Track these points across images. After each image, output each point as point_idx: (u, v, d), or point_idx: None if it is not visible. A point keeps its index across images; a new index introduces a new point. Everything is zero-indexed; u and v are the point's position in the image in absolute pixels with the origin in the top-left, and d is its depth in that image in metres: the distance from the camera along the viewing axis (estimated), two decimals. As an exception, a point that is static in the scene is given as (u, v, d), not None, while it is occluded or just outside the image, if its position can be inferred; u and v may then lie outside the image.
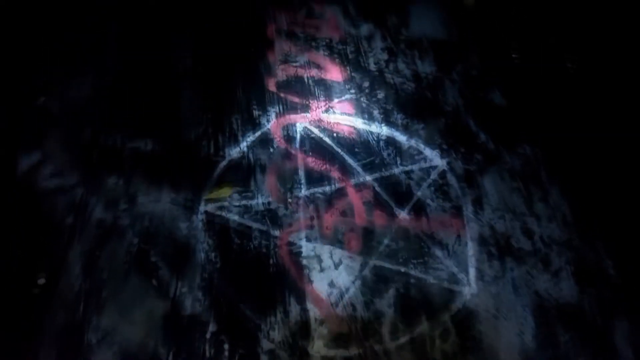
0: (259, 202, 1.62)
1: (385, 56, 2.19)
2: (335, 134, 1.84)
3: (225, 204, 1.61)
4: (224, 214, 1.58)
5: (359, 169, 1.72)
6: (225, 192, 1.64)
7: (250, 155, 1.76)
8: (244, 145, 1.80)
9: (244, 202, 1.61)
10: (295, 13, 2.42)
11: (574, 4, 2.32)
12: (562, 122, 1.87)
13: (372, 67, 2.14)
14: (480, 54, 2.18)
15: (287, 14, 2.41)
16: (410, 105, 1.96)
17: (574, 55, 2.13)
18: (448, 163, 1.74)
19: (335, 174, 1.71)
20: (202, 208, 1.59)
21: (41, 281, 1.38)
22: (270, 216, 1.58)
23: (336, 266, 1.47)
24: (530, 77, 2.07)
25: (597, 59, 2.10)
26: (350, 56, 2.19)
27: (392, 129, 1.85)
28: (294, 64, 2.15)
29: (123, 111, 1.91)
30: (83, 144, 1.78)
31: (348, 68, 2.13)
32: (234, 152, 1.77)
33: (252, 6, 2.43)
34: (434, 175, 1.70)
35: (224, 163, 1.73)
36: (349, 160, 1.74)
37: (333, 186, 1.67)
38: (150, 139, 1.81)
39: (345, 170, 1.72)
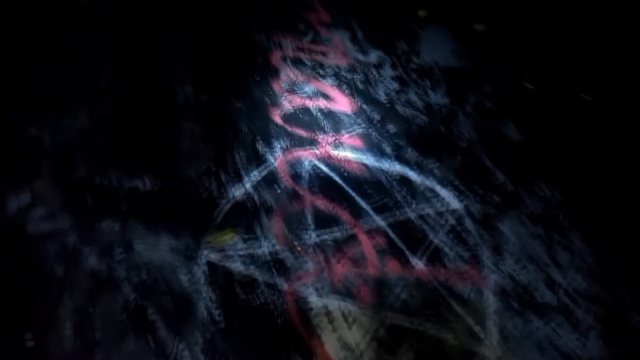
0: (264, 249, 1.51)
1: (396, 86, 2.10)
2: (345, 172, 1.74)
3: (229, 252, 1.50)
4: (227, 263, 1.47)
5: (371, 212, 1.62)
6: (229, 237, 1.54)
7: (255, 196, 1.66)
8: (248, 184, 1.69)
9: (248, 249, 1.51)
10: (301, 38, 2.34)
11: (588, 32, 2.25)
12: (580, 160, 1.78)
13: (383, 98, 2.05)
14: (493, 84, 2.10)
15: (292, 39, 2.32)
16: (424, 141, 1.86)
17: (589, 86, 2.06)
18: (465, 206, 1.65)
19: (345, 217, 1.61)
20: (203, 257, 1.48)
21: (29, 344, 1.26)
22: (277, 266, 1.48)
23: (349, 325, 1.36)
24: (545, 109, 1.99)
25: (616, 90, 2.02)
26: (359, 86, 2.10)
27: (405, 167, 1.76)
28: (301, 94, 2.05)
29: (120, 146, 1.80)
30: (76, 183, 1.67)
31: (357, 99, 2.04)
32: (237, 192, 1.66)
33: (256, 30, 2.35)
34: (450, 219, 1.61)
35: (227, 204, 1.63)
36: (361, 202, 1.64)
37: (344, 231, 1.57)
38: (149, 177, 1.70)
39: (357, 213, 1.62)
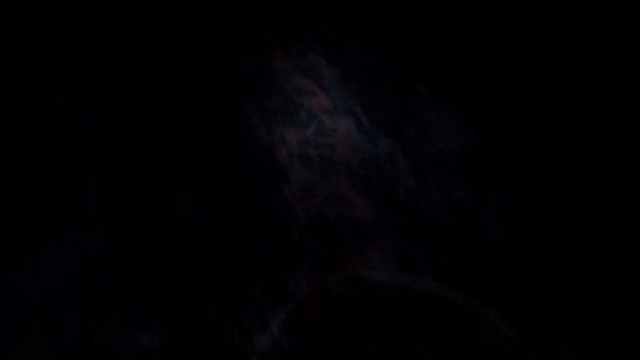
0: (306, 418, 1.29)
1: (413, 180, 1.98)
2: (380, 299, 1.56)
3: None
4: None
5: (420, 351, 1.44)
6: (262, 407, 1.30)
7: (286, 344, 1.44)
8: (274, 326, 1.48)
9: (288, 422, 1.28)
10: (305, 130, 2.20)
11: (597, 103, 2.25)
12: (623, 259, 1.70)
13: (403, 196, 1.92)
14: (512, 180, 2.01)
15: (295, 132, 2.18)
16: (457, 248, 1.73)
17: (607, 156, 2.02)
18: (518, 334, 1.50)
19: (392, 360, 1.42)
20: None
21: None
22: None
23: None
24: (571, 195, 1.92)
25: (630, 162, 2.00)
26: (375, 184, 1.96)
27: (444, 287, 1.60)
28: (315, 199, 1.89)
29: (116, 288, 1.55)
30: (71, 347, 1.40)
31: (377, 200, 1.89)
32: (264, 340, 1.44)
33: (256, 124, 2.19)
34: (505, 354, 1.45)
35: (255, 359, 1.41)
36: (405, 340, 1.46)
37: (394, 382, 1.38)
38: (156, 328, 1.46)
39: (405, 355, 1.43)
